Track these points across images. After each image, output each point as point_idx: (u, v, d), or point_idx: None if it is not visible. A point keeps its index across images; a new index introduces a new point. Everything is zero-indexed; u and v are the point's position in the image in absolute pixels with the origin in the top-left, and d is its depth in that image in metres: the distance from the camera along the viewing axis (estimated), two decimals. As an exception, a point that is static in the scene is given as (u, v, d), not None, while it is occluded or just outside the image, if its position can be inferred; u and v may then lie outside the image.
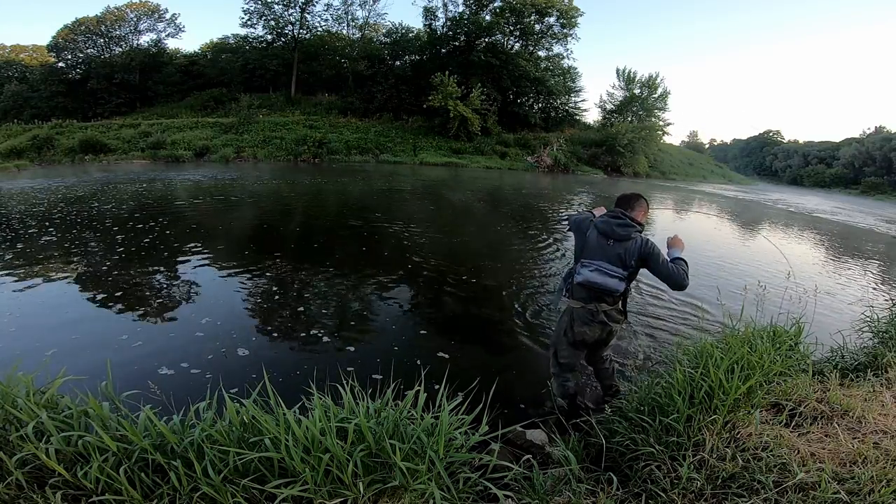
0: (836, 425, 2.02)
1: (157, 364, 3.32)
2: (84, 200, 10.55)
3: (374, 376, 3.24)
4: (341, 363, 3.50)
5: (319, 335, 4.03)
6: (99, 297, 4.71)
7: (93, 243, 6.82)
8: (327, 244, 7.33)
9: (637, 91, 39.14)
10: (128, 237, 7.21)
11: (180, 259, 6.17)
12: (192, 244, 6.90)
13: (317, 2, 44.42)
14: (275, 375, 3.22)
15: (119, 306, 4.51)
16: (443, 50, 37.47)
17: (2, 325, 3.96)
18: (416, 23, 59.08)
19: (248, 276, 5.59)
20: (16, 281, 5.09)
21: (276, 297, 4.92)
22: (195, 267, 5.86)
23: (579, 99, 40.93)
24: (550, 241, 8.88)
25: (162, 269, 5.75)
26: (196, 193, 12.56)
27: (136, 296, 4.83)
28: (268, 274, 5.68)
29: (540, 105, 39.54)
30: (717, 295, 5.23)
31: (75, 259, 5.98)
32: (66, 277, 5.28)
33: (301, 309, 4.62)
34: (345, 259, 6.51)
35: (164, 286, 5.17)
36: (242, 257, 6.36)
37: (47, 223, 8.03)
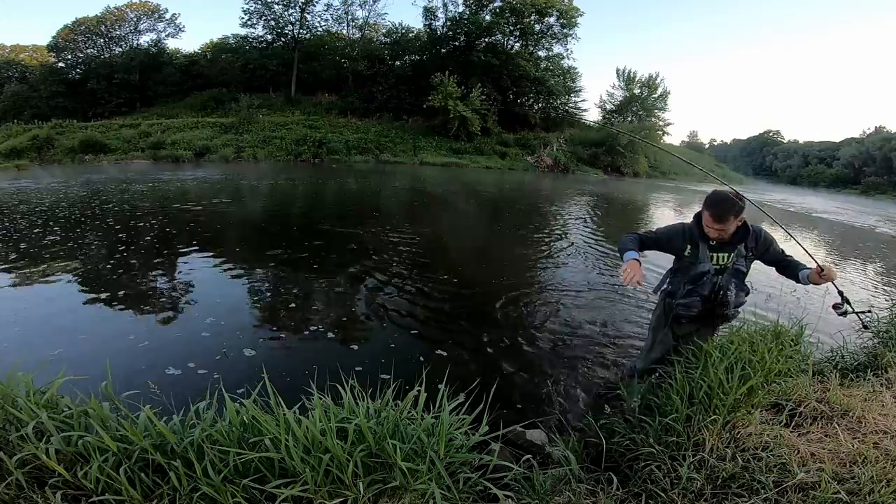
0: (836, 425, 2.02)
1: (164, 364, 3.33)
2: (85, 200, 10.55)
3: (382, 376, 3.24)
4: (348, 363, 3.50)
5: (323, 334, 4.04)
6: (104, 296, 4.72)
7: (96, 243, 6.83)
8: (327, 243, 7.33)
9: (637, 91, 39.14)
10: (130, 236, 7.22)
11: (182, 258, 6.18)
12: (194, 243, 6.91)
13: (317, 2, 44.31)
14: (283, 375, 3.24)
15: (124, 306, 4.52)
16: (443, 50, 37.43)
17: (7, 324, 3.95)
18: (416, 23, 58.96)
19: (250, 275, 5.60)
20: (21, 280, 5.09)
21: (279, 296, 4.93)
22: (197, 266, 5.87)
23: (579, 99, 40.92)
24: (552, 241, 8.88)
25: (164, 268, 5.76)
26: (196, 193, 12.56)
27: (141, 295, 4.84)
28: (269, 273, 5.68)
29: (540, 105, 39.52)
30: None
31: (79, 258, 5.99)
32: (70, 277, 5.28)
33: (303, 308, 4.63)
34: (345, 258, 6.51)
35: (168, 285, 5.18)
36: (244, 257, 6.36)
37: (51, 223, 8.04)
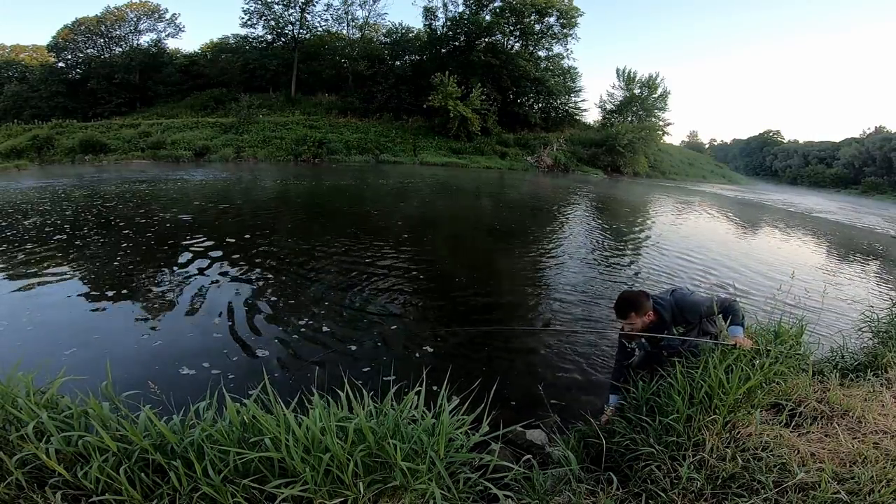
0: (836, 425, 2.02)
1: (178, 364, 3.36)
2: (89, 200, 10.56)
3: (384, 378, 3.25)
4: (350, 363, 3.52)
5: (327, 334, 4.06)
6: (114, 295, 4.74)
7: (102, 241, 6.85)
8: (329, 244, 7.33)
9: (637, 91, 39.14)
10: (135, 236, 7.24)
11: (188, 258, 6.20)
12: (198, 243, 6.92)
13: (317, 2, 44.35)
14: (289, 375, 3.27)
15: (134, 305, 4.54)
16: (443, 50, 37.43)
17: (20, 323, 3.96)
18: (416, 23, 59.11)
19: (256, 274, 5.61)
20: (30, 280, 5.10)
21: (285, 296, 4.95)
22: (203, 265, 5.89)
23: (579, 99, 40.94)
24: (552, 241, 8.88)
25: (171, 267, 5.79)
26: (198, 193, 12.57)
27: (150, 294, 4.86)
28: (274, 272, 5.69)
29: (540, 105, 39.51)
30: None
31: (88, 258, 6.01)
32: (79, 276, 5.30)
33: (308, 308, 4.64)
34: (346, 258, 6.51)
35: (176, 285, 5.20)
36: (247, 256, 6.36)
37: (59, 221, 8.06)
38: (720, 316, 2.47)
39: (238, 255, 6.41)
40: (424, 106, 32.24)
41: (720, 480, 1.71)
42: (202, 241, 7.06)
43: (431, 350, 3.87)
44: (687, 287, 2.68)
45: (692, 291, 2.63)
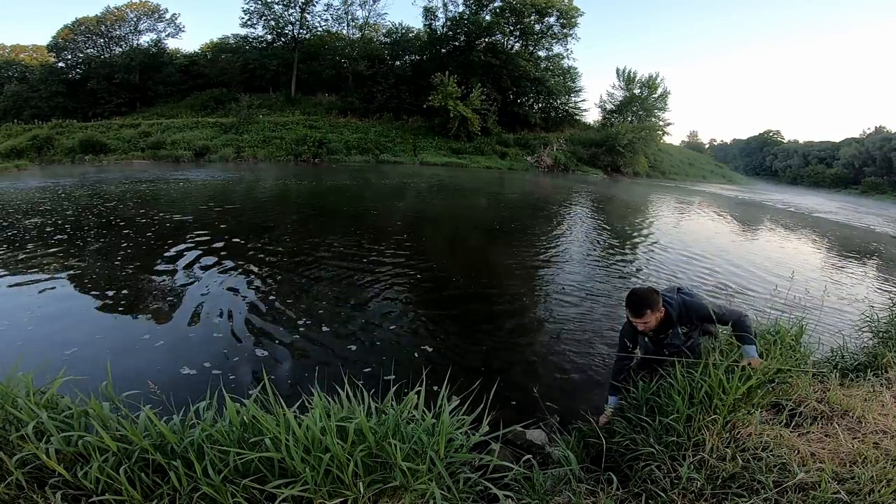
0: (836, 425, 2.02)
1: (180, 364, 3.37)
2: (89, 200, 10.56)
3: (384, 377, 3.25)
4: (351, 363, 3.52)
5: (328, 334, 4.06)
6: (116, 296, 4.74)
7: (103, 242, 6.85)
8: (328, 245, 7.33)
9: (637, 91, 39.12)
10: (137, 236, 7.24)
11: (188, 258, 6.20)
12: (198, 244, 6.91)
13: (317, 2, 44.37)
14: (290, 375, 3.27)
15: (137, 305, 4.54)
16: (443, 50, 37.44)
17: (20, 323, 3.96)
18: (416, 23, 59.18)
19: (257, 275, 5.60)
20: (32, 281, 5.09)
21: (286, 297, 4.94)
22: (204, 266, 5.89)
23: (579, 99, 40.92)
24: (552, 241, 8.87)
25: (173, 268, 5.78)
26: (198, 194, 12.56)
27: (152, 295, 4.86)
28: (275, 274, 5.68)
29: (540, 105, 39.51)
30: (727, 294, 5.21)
31: (89, 258, 6.01)
32: (81, 276, 5.30)
33: (309, 308, 4.63)
34: (347, 259, 6.50)
35: (178, 286, 5.19)
36: (248, 256, 6.36)
37: (60, 221, 8.06)
38: (730, 326, 2.43)
39: (238, 256, 6.41)
40: (424, 106, 32.23)
41: (720, 480, 1.71)
42: (203, 242, 7.05)
43: (431, 350, 3.87)
44: (689, 287, 2.66)
45: (692, 292, 2.63)
